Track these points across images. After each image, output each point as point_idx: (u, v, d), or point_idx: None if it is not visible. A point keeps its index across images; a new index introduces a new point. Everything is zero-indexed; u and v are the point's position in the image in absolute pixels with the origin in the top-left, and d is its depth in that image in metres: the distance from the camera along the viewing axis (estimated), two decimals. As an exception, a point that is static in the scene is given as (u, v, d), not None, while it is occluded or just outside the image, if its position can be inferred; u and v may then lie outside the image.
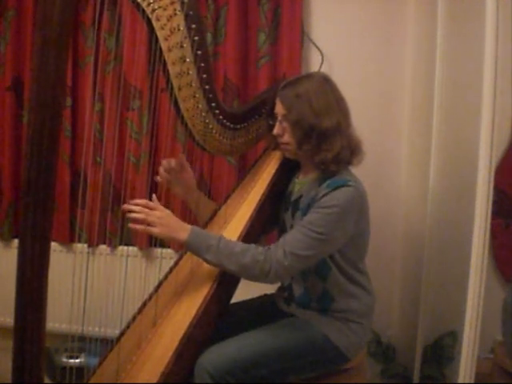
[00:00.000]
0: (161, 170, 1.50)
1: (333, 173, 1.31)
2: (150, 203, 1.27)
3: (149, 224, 1.24)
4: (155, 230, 1.25)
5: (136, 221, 1.25)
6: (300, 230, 1.26)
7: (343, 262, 1.35)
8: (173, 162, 1.50)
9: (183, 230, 1.27)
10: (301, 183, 1.43)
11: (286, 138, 1.36)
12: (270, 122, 1.43)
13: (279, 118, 1.36)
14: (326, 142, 1.30)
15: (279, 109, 1.36)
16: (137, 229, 1.25)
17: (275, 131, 1.37)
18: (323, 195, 1.26)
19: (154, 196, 1.31)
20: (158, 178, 1.50)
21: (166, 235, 1.27)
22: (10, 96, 2.11)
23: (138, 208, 1.25)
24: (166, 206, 1.42)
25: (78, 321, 1.66)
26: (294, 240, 1.25)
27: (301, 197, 1.38)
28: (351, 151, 1.33)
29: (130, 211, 1.25)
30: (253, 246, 1.28)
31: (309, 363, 1.32)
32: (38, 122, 0.87)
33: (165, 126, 2.02)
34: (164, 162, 1.50)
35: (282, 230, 1.46)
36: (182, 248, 1.57)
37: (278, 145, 1.47)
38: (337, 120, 1.31)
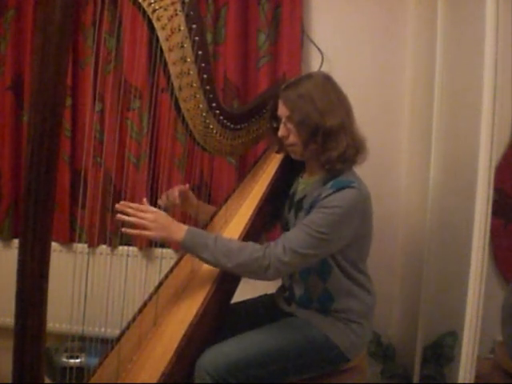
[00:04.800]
0: (163, 197, 1.47)
1: (338, 172, 1.31)
2: (141, 206, 1.26)
3: (143, 228, 1.24)
4: (150, 234, 1.24)
5: (130, 225, 1.24)
6: (301, 228, 1.26)
7: (344, 262, 1.34)
8: (175, 197, 1.45)
9: (179, 231, 1.26)
10: (305, 183, 1.43)
11: (292, 139, 1.36)
12: (274, 125, 1.42)
13: (283, 119, 1.36)
14: (332, 140, 1.29)
15: (282, 110, 1.35)
16: (132, 233, 1.24)
17: (280, 133, 1.37)
18: (326, 195, 1.26)
19: (144, 199, 1.29)
20: (160, 202, 1.48)
21: (161, 237, 1.26)
22: (10, 96, 2.10)
23: (131, 211, 1.24)
24: (166, 207, 1.41)
25: (78, 321, 1.66)
26: (295, 238, 1.25)
27: (305, 197, 1.38)
28: (356, 149, 1.32)
29: (123, 213, 1.23)
30: (250, 243, 1.28)
31: (309, 363, 1.32)
32: (39, 121, 0.87)
33: (165, 126, 2.02)
34: (165, 198, 1.46)
35: (285, 231, 1.46)
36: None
37: (281, 148, 1.46)
38: (341, 118, 1.30)
